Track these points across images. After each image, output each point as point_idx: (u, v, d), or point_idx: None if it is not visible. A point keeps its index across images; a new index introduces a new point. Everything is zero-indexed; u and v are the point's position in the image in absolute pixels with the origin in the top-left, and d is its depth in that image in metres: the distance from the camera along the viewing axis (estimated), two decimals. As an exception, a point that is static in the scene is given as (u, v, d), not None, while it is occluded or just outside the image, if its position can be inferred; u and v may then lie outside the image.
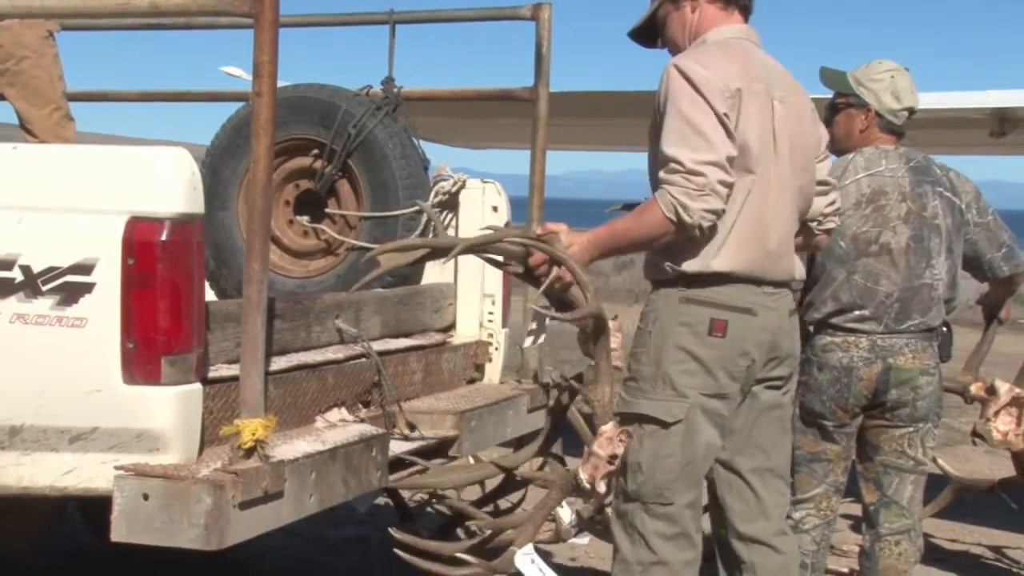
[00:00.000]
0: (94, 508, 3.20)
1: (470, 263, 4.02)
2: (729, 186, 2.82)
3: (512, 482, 4.52)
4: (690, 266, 2.89)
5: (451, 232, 4.07)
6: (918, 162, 3.70)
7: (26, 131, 3.95)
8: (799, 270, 3.10)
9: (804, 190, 3.06)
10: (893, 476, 3.64)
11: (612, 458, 2.93)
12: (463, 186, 4.01)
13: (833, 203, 3.20)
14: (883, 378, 3.58)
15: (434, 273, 4.08)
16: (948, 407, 4.52)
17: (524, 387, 4.00)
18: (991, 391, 3.92)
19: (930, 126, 6.73)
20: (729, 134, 2.82)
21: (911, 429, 3.62)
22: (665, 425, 2.91)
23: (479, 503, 4.81)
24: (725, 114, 2.81)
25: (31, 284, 2.49)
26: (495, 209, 4.03)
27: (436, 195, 3.96)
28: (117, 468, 2.47)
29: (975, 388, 3.97)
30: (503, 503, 4.72)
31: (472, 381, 4.01)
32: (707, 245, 2.88)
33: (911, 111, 3.72)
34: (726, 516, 3.10)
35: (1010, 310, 4.15)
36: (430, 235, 3.98)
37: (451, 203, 4.03)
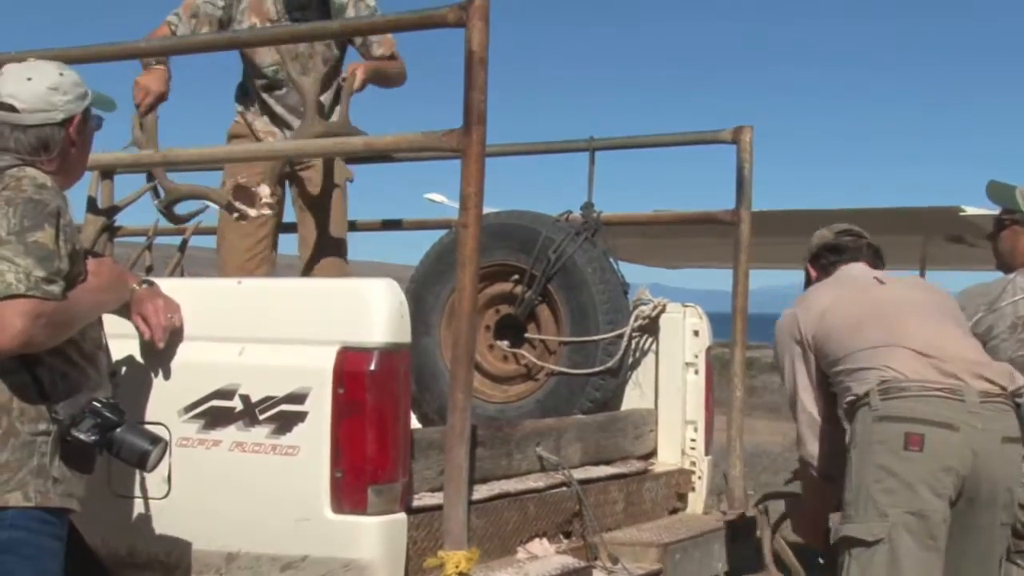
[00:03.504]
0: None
1: (671, 389, 3.93)
2: None
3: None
4: None
5: (650, 356, 4.01)
6: None
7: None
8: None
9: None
10: None
11: None
12: (663, 310, 3.95)
13: None
14: None
15: (634, 398, 4.01)
16: None
17: (729, 518, 3.83)
18: None
19: None
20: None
21: None
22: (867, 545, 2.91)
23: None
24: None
25: (249, 413, 2.58)
26: (696, 333, 3.94)
27: (636, 319, 3.91)
28: (326, 598, 2.48)
29: None
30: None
31: (675, 511, 3.88)
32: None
33: None
34: None
35: None
36: (630, 359, 3.94)
37: (651, 327, 3.97)
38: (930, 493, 2.87)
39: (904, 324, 3.18)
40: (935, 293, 3.40)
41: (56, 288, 2.24)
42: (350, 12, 4.03)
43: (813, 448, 3.30)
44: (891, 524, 2.89)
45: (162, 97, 3.77)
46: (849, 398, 3.11)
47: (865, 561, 2.91)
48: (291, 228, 4.45)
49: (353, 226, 5.54)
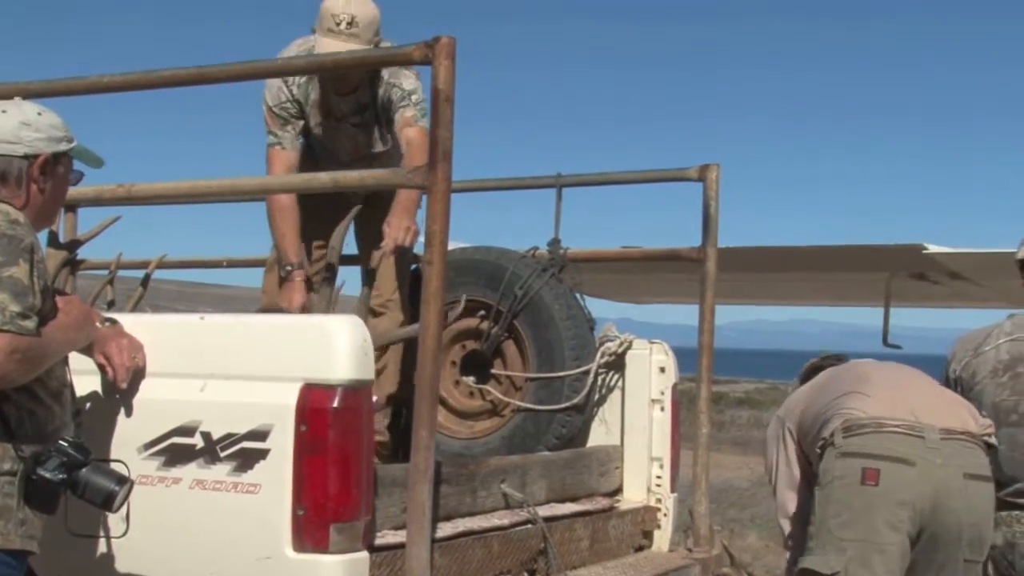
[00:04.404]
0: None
1: (637, 425, 3.93)
2: None
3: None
4: None
5: (617, 392, 4.00)
6: None
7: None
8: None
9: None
10: None
11: None
12: (630, 346, 3.96)
13: None
14: None
15: (600, 435, 4.01)
16: None
17: (695, 556, 3.83)
18: None
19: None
20: None
21: None
22: None
23: None
24: None
25: (211, 450, 2.55)
26: (662, 370, 3.95)
27: (602, 355, 3.91)
28: (285, 638, 2.45)
29: None
30: None
31: (640, 548, 3.86)
32: None
33: None
34: None
35: None
36: (596, 395, 3.94)
37: (617, 363, 3.98)
38: (886, 527, 2.92)
39: (867, 376, 3.32)
40: (909, 367, 3.48)
41: (31, 323, 2.23)
42: (400, 106, 3.85)
43: (797, 543, 3.36)
44: (848, 558, 2.95)
45: (303, 304, 3.71)
46: (820, 444, 3.15)
47: None
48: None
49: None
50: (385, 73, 3.90)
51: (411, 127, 3.82)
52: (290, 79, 3.91)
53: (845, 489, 2.98)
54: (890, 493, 2.94)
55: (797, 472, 3.43)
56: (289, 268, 3.82)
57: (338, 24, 3.72)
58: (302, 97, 3.94)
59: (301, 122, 3.97)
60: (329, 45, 3.72)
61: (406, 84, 3.88)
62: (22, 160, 2.41)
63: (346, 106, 3.97)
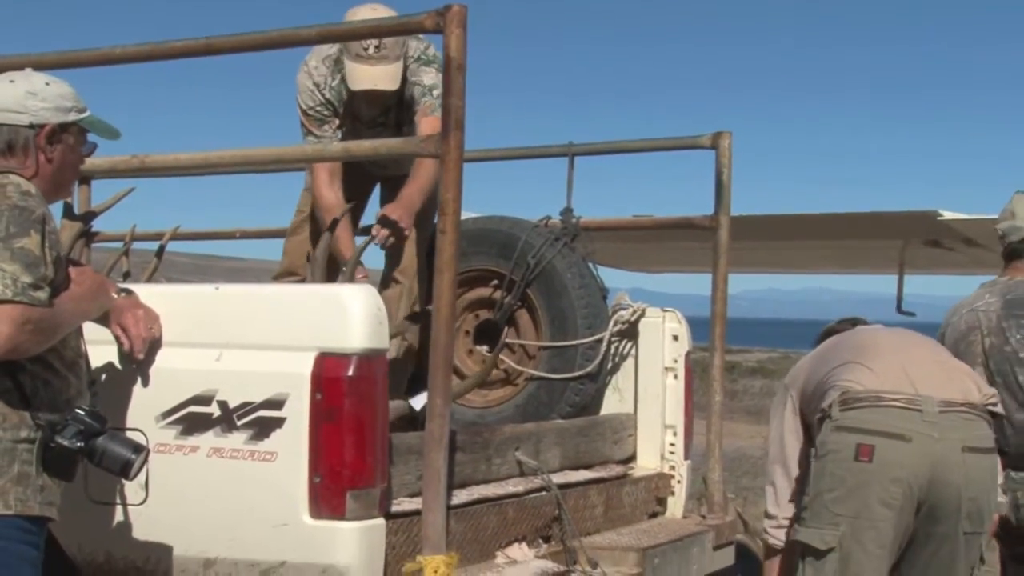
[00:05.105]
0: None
1: (650, 393, 3.94)
2: None
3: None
4: None
5: (630, 360, 4.01)
6: (1016, 295, 3.52)
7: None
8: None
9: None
10: None
11: None
12: (642, 315, 3.96)
13: None
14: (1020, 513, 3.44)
15: (613, 403, 4.02)
16: None
17: (709, 522, 3.85)
18: None
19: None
20: None
21: None
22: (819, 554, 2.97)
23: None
24: None
25: (227, 419, 2.58)
26: (675, 338, 3.95)
27: (615, 324, 3.92)
28: (303, 603, 2.48)
29: None
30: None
31: (654, 515, 3.89)
32: None
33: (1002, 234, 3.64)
34: None
35: None
36: (609, 364, 3.95)
37: (630, 332, 3.98)
38: (879, 504, 2.92)
39: (869, 345, 3.27)
40: (916, 334, 3.43)
41: (43, 294, 2.24)
42: (422, 100, 3.84)
43: (776, 513, 3.36)
44: (842, 534, 2.94)
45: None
46: (818, 416, 3.15)
47: (817, 568, 2.98)
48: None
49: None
50: (408, 73, 3.89)
51: (426, 116, 3.80)
52: (322, 83, 3.91)
53: (840, 464, 2.97)
54: (884, 470, 2.93)
55: (793, 440, 3.39)
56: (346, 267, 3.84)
57: (366, 49, 3.72)
58: (335, 100, 3.94)
59: (337, 120, 3.97)
60: (362, 72, 3.72)
61: (426, 80, 3.87)
62: (28, 130, 2.42)
63: (373, 109, 3.98)
